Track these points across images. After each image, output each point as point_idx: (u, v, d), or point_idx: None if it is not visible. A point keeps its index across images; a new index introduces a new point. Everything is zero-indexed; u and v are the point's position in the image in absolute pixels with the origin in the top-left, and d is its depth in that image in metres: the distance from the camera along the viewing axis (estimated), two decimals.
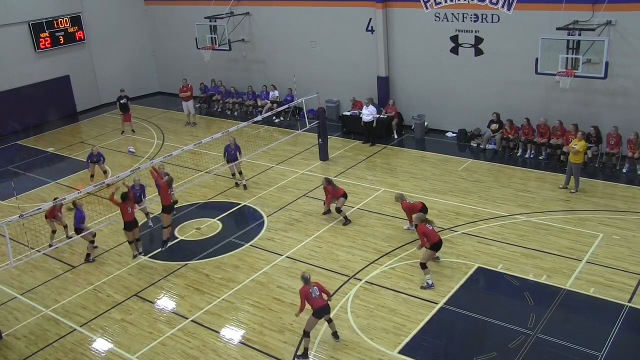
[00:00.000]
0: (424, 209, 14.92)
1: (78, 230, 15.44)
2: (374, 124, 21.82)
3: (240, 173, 19.11)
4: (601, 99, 18.92)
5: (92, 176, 19.74)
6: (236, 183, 19.19)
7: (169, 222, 15.46)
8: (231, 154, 18.77)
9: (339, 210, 16.21)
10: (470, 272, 13.65)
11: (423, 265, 13.14)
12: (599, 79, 17.49)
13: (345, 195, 16.34)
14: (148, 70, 31.33)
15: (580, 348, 11.06)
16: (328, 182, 16.35)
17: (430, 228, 13.22)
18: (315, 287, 11.33)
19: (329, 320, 11.68)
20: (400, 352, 11.35)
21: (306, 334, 11.39)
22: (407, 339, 11.69)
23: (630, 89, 18.32)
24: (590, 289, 12.72)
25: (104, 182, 16.86)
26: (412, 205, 15.16)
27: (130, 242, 15.32)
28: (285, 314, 12.71)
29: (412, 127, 22.78)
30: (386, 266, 14.16)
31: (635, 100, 18.27)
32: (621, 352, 11.00)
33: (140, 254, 15.38)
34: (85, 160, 20.40)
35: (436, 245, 13.17)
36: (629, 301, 12.23)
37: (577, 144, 16.79)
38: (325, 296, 11.50)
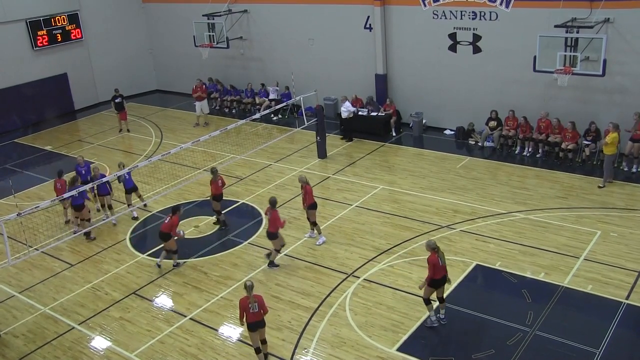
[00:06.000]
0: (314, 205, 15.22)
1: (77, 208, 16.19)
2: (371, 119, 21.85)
3: (110, 207, 17.51)
4: (599, 97, 18.92)
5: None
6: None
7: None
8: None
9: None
10: (469, 269, 13.66)
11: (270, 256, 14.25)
12: (597, 76, 17.50)
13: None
14: (146, 68, 31.28)
15: (578, 345, 11.08)
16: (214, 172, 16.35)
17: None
18: (256, 303, 10.81)
19: (263, 342, 11.29)
20: (398, 350, 11.37)
21: (256, 350, 11.20)
22: (406, 337, 11.70)
23: (628, 86, 18.32)
24: (588, 286, 12.74)
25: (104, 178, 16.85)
26: (311, 193, 15.22)
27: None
28: (283, 312, 12.73)
29: (410, 125, 22.77)
30: (384, 264, 14.17)
31: (633, 98, 18.26)
32: (619, 349, 11.03)
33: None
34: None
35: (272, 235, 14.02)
36: (627, 298, 12.25)
37: (608, 137, 16.88)
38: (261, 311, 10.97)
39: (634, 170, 18.01)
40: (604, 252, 13.92)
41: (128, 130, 25.42)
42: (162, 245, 14.84)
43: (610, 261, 13.54)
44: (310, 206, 15.12)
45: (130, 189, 17.42)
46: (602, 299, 12.32)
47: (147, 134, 25.00)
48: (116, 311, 13.38)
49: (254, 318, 10.90)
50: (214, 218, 16.80)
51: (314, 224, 15.38)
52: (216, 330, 12.46)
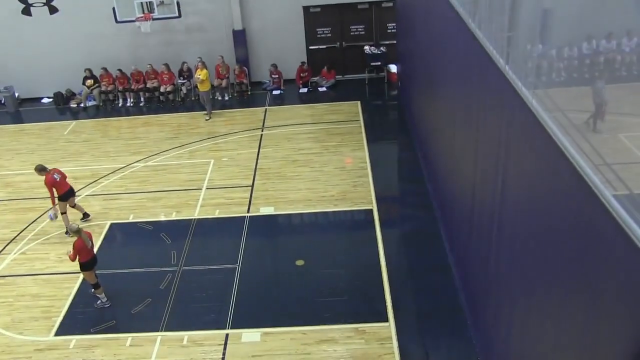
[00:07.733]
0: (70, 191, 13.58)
1: None
2: None
3: None
4: (182, 37, 20.14)
5: None
6: None
7: None
8: None
9: None
10: (105, 231, 13.69)
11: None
12: (175, 18, 18.66)
13: None
14: None
15: (222, 266, 12.23)
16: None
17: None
18: (90, 241, 11.34)
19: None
20: (57, 335, 10.98)
21: (96, 286, 11.52)
22: (60, 318, 11.33)
23: (204, 24, 19.86)
24: (216, 211, 14.03)
25: None
26: (56, 182, 13.21)
27: None
28: None
29: (2, 102, 20.91)
30: (15, 253, 13.26)
31: (210, 35, 19.93)
32: (251, 257, 12.53)
33: None
34: None
35: None
36: (248, 212, 13.91)
37: (201, 74, 18.01)
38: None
39: (226, 98, 19.95)
40: (220, 177, 15.38)
41: None
42: None
43: (228, 183, 15.06)
44: None
45: None
46: (229, 219, 13.73)
47: None
48: None
49: (93, 253, 11.41)
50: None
51: None
52: None
